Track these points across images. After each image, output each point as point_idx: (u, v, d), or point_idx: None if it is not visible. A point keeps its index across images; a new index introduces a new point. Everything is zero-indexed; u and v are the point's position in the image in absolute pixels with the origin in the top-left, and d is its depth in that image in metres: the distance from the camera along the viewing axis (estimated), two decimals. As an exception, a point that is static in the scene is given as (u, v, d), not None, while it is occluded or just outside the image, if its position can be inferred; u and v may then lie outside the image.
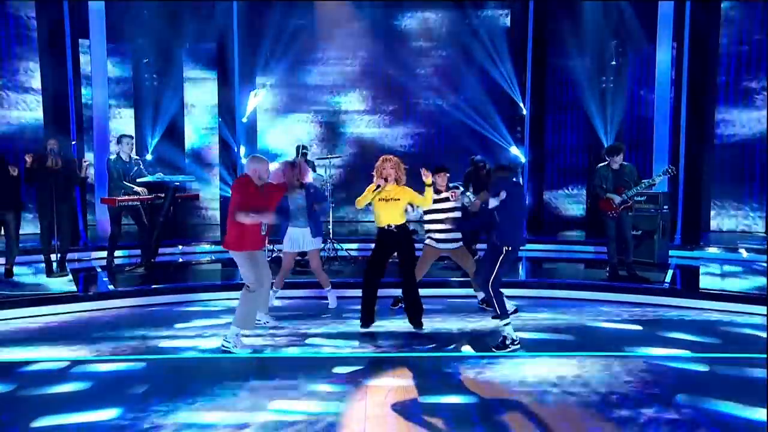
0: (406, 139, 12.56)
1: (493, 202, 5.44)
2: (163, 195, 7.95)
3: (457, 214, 6.27)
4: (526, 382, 4.60)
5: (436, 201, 6.15)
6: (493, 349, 5.26)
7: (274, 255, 8.30)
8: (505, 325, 5.36)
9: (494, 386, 4.53)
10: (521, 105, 11.46)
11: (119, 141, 7.91)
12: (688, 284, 7.53)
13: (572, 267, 8.67)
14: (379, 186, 5.73)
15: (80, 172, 7.64)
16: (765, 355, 5.09)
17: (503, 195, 5.37)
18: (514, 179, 5.89)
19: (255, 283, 5.24)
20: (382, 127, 12.57)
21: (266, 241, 5.58)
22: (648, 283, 7.25)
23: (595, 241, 9.57)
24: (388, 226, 5.78)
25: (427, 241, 6.38)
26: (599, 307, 6.78)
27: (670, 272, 7.88)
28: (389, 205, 5.76)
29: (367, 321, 5.87)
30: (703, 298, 6.77)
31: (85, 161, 7.85)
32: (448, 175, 6.39)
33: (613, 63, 10.88)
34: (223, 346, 5.23)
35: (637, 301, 6.93)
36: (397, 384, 4.60)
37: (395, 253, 5.91)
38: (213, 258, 9.14)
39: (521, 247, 5.93)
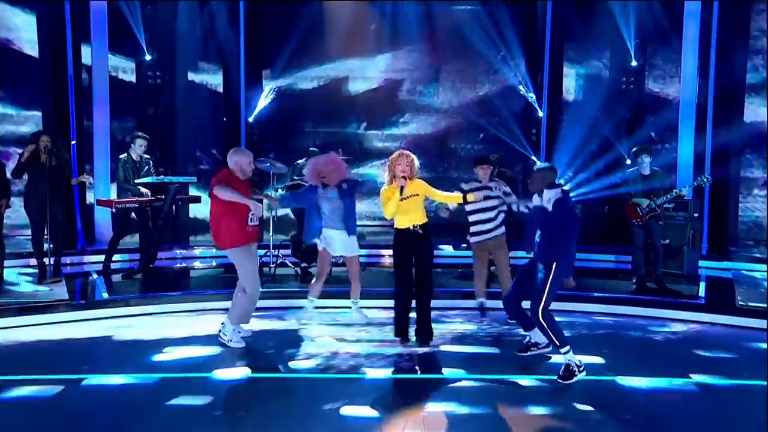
0: (412, 138, 12.13)
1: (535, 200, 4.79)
2: (162, 197, 7.60)
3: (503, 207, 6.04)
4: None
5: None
6: (560, 381, 4.51)
7: (280, 261, 7.87)
8: (566, 353, 4.56)
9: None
10: (537, 107, 11.02)
11: (132, 140, 7.60)
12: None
13: (594, 277, 8.18)
14: (402, 188, 5.21)
15: (75, 178, 7.34)
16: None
17: (552, 195, 4.58)
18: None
19: (254, 286, 5.06)
20: (388, 127, 12.12)
21: (257, 235, 5.33)
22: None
23: (615, 250, 9.11)
24: (414, 226, 5.28)
25: (472, 240, 6.08)
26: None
27: (702, 285, 7.41)
28: (409, 202, 5.26)
29: (401, 332, 5.42)
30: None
31: (87, 176, 7.56)
32: (490, 168, 6.05)
33: (634, 63, 10.44)
34: (220, 338, 5.22)
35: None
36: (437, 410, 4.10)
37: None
38: (215, 263, 8.74)
39: (573, 265, 4.85)
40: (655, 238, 7.21)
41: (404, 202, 5.24)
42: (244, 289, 5.12)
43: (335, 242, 5.81)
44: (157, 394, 4.31)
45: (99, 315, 6.23)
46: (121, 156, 7.59)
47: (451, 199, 5.63)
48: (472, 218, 6.05)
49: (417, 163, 5.32)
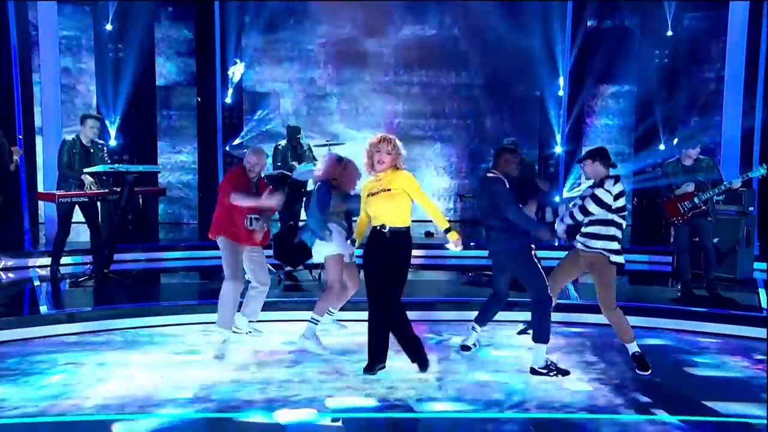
0: (421, 121, 10.97)
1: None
2: (118, 189, 6.41)
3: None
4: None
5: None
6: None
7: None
8: None
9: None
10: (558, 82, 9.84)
11: (82, 122, 6.47)
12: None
13: (626, 282, 7.00)
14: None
15: (10, 163, 6.12)
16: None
17: None
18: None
19: (232, 274, 4.84)
20: (397, 106, 10.93)
21: (254, 240, 4.95)
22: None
23: (644, 249, 8.10)
24: (381, 226, 4.14)
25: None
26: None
27: (762, 292, 6.23)
28: (378, 198, 4.16)
29: (368, 368, 4.23)
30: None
31: (13, 148, 6.24)
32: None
33: (670, 33, 9.24)
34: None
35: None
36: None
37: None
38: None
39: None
40: (705, 237, 6.12)
41: (373, 197, 4.19)
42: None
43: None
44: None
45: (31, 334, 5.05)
46: (67, 137, 6.48)
47: (437, 219, 4.32)
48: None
49: (402, 150, 4.19)
